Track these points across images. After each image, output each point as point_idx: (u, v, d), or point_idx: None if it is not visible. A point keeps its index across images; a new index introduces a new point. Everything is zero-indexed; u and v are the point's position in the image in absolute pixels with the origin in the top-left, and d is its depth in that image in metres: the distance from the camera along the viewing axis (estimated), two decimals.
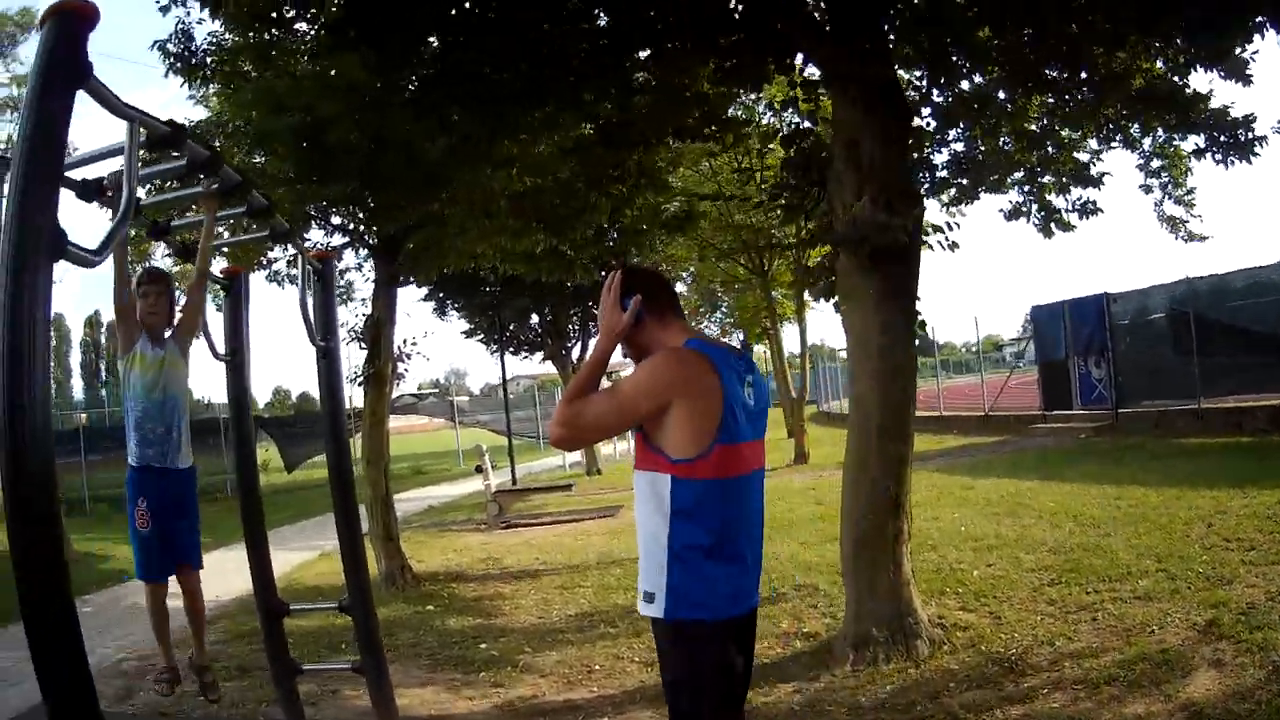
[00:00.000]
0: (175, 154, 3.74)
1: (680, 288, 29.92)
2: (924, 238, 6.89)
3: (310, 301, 5.42)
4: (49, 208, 2.46)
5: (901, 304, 6.59)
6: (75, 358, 65.77)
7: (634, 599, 3.23)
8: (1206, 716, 5.01)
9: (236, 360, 5.45)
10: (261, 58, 7.92)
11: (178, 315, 5.14)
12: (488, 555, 12.87)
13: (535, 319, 24.56)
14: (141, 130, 3.07)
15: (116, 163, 3.06)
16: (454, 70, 6.76)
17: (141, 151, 3.11)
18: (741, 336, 48.41)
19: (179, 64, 8.26)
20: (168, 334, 5.06)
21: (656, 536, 3.05)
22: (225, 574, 12.37)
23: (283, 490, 25.52)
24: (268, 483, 25.44)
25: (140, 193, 3.55)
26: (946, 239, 6.96)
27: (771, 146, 9.24)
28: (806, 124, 7.69)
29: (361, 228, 9.84)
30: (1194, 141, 7.86)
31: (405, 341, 19.63)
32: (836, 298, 7.16)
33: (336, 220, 10.58)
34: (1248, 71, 7.10)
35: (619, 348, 3.33)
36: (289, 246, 10.11)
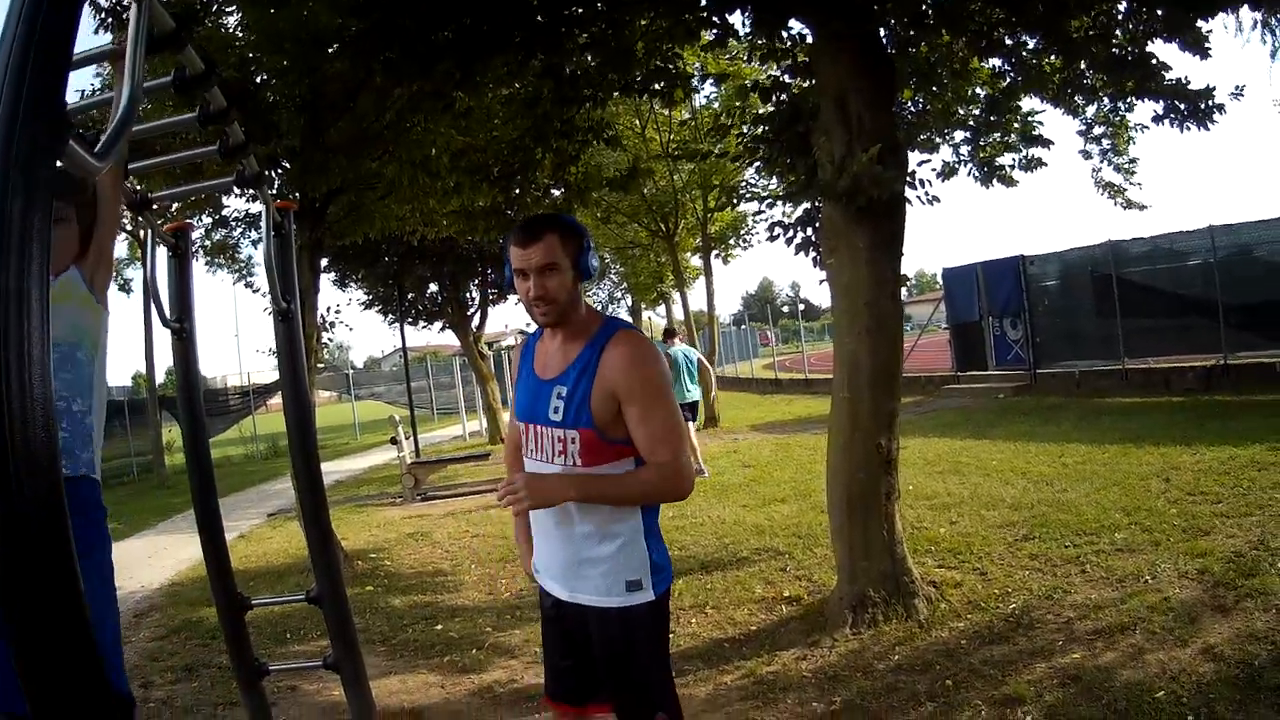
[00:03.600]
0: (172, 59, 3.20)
1: None
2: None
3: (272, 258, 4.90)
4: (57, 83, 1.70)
5: (890, 257, 6.44)
6: None
7: None
8: (1226, 658, 4.99)
9: (186, 328, 4.92)
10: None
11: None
12: (415, 530, 12.30)
13: (434, 288, 23.96)
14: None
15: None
16: (420, 21, 6.33)
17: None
18: (630, 302, 48.71)
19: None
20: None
21: (628, 523, 3.05)
22: (143, 562, 11.78)
23: (184, 471, 24.43)
24: (171, 464, 24.63)
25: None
26: (927, 194, 6.81)
27: (737, 105, 9.07)
28: (785, 78, 7.45)
29: (287, 191, 9.30)
30: (1152, 108, 7.82)
31: (328, 310, 19.00)
32: (816, 253, 7.00)
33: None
34: (1206, 45, 7.13)
35: (527, 299, 3.07)
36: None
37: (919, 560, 7.10)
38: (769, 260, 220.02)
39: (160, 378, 27.67)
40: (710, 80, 13.27)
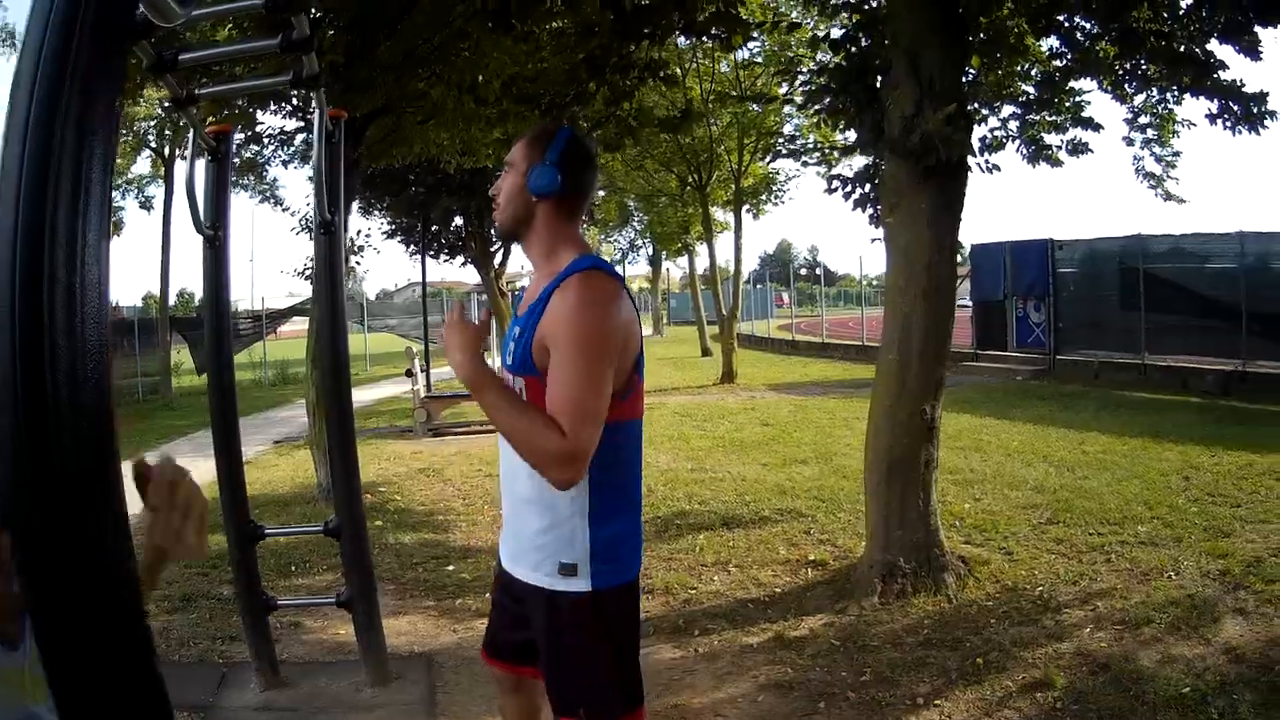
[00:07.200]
0: None
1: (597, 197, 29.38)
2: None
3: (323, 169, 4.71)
4: None
5: (951, 221, 6.32)
6: None
7: None
8: (1248, 660, 4.95)
9: (220, 236, 4.75)
10: None
11: None
12: (425, 465, 12.17)
13: (459, 221, 23.73)
14: None
15: None
16: None
17: None
18: (651, 251, 48.73)
19: None
20: None
21: (568, 496, 2.58)
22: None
23: (190, 393, 24.30)
24: (178, 385, 24.51)
25: None
26: (987, 162, 6.70)
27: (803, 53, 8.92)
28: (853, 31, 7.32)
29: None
30: (1206, 107, 7.67)
31: (357, 233, 18.65)
32: (875, 210, 6.87)
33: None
34: (1259, 48, 7.01)
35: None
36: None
37: (946, 534, 6.99)
38: (788, 222, 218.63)
39: (171, 299, 27.49)
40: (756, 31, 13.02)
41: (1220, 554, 6.69)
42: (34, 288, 1.17)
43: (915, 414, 6.29)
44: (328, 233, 4.89)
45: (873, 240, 6.90)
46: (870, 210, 6.98)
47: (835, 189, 7.04)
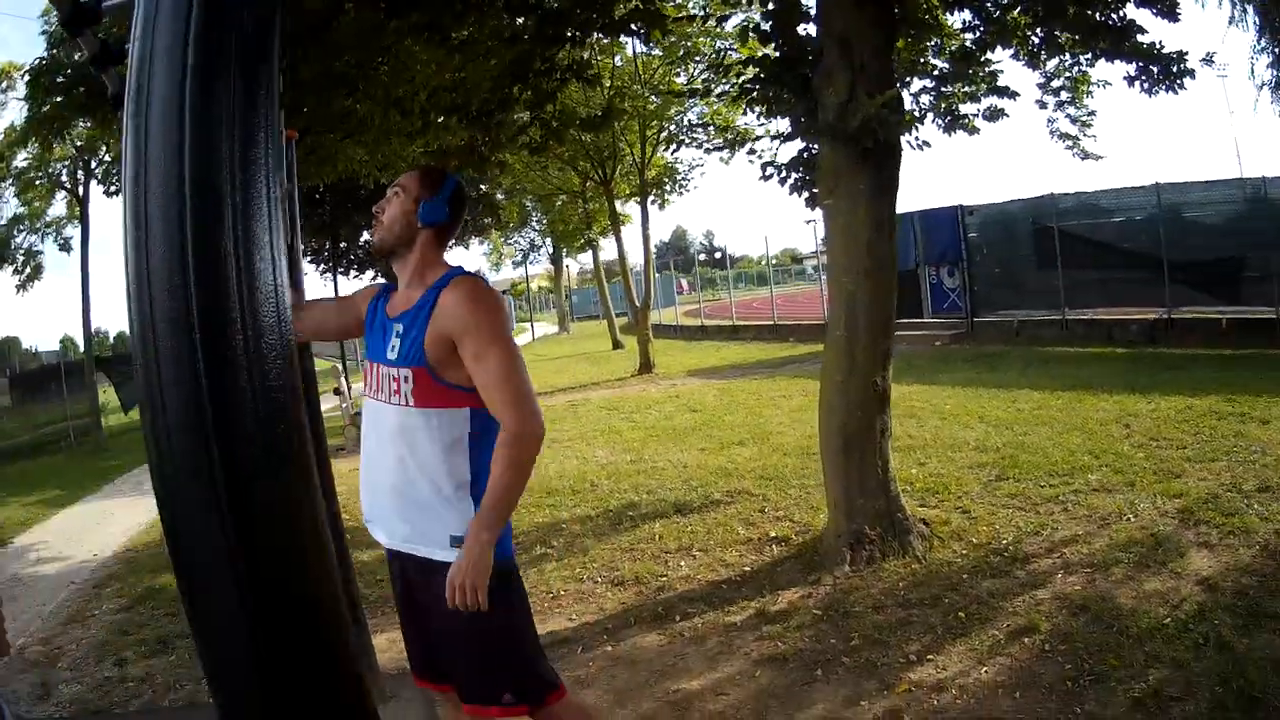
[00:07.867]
0: None
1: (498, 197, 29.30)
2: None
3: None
4: None
5: (888, 200, 6.52)
6: None
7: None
8: (1222, 588, 5.21)
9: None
10: None
11: None
12: None
13: (368, 235, 23.57)
14: None
15: None
16: None
17: None
18: (551, 249, 48.65)
19: None
20: None
21: (455, 476, 2.90)
22: (92, 529, 11.30)
23: (119, 432, 24.06)
24: (108, 426, 24.02)
25: None
26: (917, 139, 6.87)
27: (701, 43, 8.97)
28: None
29: None
30: (1123, 69, 7.84)
31: None
32: (811, 194, 7.01)
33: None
34: (1177, 9, 7.26)
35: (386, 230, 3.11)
36: None
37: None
38: (682, 209, 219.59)
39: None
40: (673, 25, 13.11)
41: (1175, 494, 6.97)
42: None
43: (867, 386, 6.49)
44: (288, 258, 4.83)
45: (807, 221, 7.07)
46: (806, 194, 7.11)
47: (770, 176, 7.17)
